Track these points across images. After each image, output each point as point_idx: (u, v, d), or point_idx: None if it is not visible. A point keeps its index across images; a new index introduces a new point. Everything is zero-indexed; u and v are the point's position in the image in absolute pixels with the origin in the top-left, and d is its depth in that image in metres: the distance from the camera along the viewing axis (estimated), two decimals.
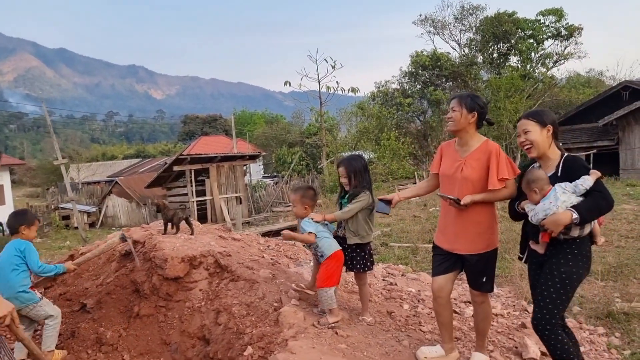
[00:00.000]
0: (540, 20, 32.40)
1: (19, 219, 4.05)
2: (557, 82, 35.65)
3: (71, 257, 6.26)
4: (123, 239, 4.71)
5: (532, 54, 32.73)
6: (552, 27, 32.47)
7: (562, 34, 32.63)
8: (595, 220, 3.01)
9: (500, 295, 6.16)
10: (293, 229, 14.40)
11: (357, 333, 3.86)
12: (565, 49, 33.72)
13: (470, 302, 5.00)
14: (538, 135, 3.11)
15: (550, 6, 32.38)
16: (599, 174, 2.94)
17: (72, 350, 4.13)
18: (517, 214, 3.31)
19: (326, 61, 24.99)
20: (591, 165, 23.07)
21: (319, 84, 25.29)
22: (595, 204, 2.86)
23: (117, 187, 31.83)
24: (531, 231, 3.20)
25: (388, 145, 25.47)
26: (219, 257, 4.75)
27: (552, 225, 2.90)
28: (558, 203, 2.88)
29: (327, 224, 4.00)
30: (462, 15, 32.03)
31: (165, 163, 24.42)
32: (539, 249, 3.13)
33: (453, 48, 33.29)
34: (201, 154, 21.89)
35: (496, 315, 5.17)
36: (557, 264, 2.97)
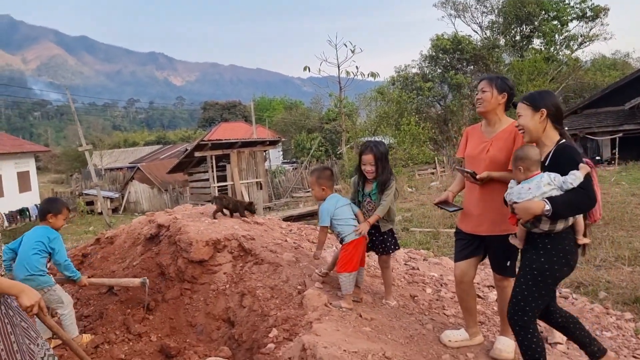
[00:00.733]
0: (564, 0, 31.61)
1: (48, 207, 4.10)
2: (582, 64, 34.87)
3: (97, 241, 6.40)
4: (143, 284, 4.51)
5: (556, 35, 32.02)
6: (577, 8, 31.67)
7: (588, 15, 31.80)
8: (580, 216, 2.83)
9: None
10: (314, 213, 14.46)
11: (380, 316, 3.87)
12: (590, 30, 32.92)
13: (493, 287, 4.97)
14: (529, 119, 2.93)
15: None
16: (588, 168, 2.72)
17: (101, 332, 4.22)
18: None
19: (345, 46, 24.74)
20: (616, 149, 22.59)
21: (338, 69, 25.10)
22: (574, 200, 2.67)
23: (139, 173, 32.24)
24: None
25: (408, 130, 25.26)
26: (243, 241, 4.79)
27: (521, 212, 2.77)
28: (537, 192, 2.71)
29: (349, 204, 3.96)
30: None
31: (186, 149, 24.62)
32: (517, 243, 2.99)
33: (474, 31, 32.80)
34: (222, 140, 22.01)
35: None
36: (529, 260, 2.83)
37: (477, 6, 32.23)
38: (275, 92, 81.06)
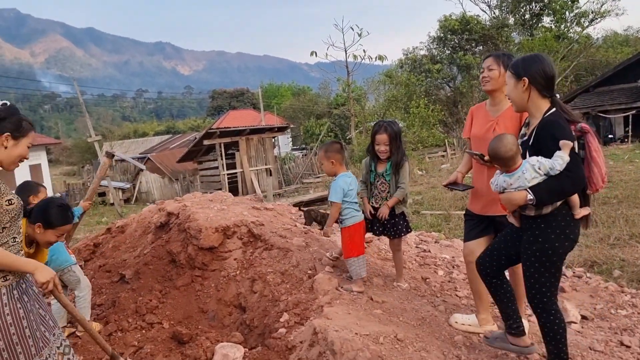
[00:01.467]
0: None
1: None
2: (593, 41, 34.24)
3: (108, 230, 6.44)
4: (108, 155, 4.61)
5: (567, 13, 31.42)
6: None
7: None
8: None
9: None
10: (323, 199, 14.45)
11: (392, 299, 3.85)
12: (601, 6, 32.25)
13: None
14: (512, 88, 2.78)
15: None
16: (570, 144, 2.54)
17: (113, 320, 4.24)
18: None
19: (352, 29, 24.59)
20: (629, 127, 22.25)
21: (346, 53, 24.94)
22: (558, 186, 2.56)
23: (150, 163, 32.40)
24: None
25: (417, 113, 25.06)
26: (252, 227, 4.78)
27: (505, 203, 2.73)
28: (520, 182, 2.62)
29: (353, 190, 3.91)
30: None
31: (195, 138, 24.68)
32: (514, 221, 2.90)
33: (483, 10, 32.34)
34: (230, 128, 22.01)
35: None
36: (528, 242, 2.74)
37: None
38: (283, 79, 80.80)
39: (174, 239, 4.97)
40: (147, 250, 5.07)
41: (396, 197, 3.94)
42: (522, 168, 2.64)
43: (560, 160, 2.53)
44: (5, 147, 2.48)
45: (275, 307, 3.90)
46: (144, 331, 4.10)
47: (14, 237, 2.45)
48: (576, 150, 2.62)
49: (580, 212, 2.71)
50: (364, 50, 23.32)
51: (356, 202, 3.87)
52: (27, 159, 2.66)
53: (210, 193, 7.35)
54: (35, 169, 27.53)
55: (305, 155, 31.09)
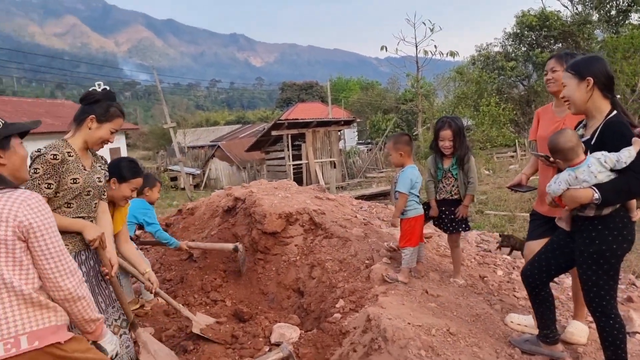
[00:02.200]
0: None
1: (144, 182, 4.40)
2: None
3: (180, 212, 6.81)
4: (235, 249, 4.78)
5: None
6: None
7: None
8: None
9: None
10: (385, 193, 14.43)
11: (447, 294, 3.87)
12: None
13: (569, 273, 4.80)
14: (574, 89, 2.67)
15: None
16: None
17: (181, 295, 4.55)
18: None
19: (424, 24, 24.24)
20: None
21: (416, 48, 24.64)
22: (625, 185, 2.47)
23: (220, 151, 33.48)
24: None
25: (487, 111, 24.35)
26: (314, 215, 4.93)
27: (568, 200, 2.61)
28: (586, 176, 2.53)
29: (418, 183, 3.97)
30: None
31: (264, 128, 25.28)
32: (563, 225, 2.81)
33: (564, 6, 30.69)
34: (298, 119, 22.39)
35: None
36: (584, 245, 2.66)
37: None
38: (352, 73, 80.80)
39: (239, 222, 5.22)
40: (214, 232, 5.35)
41: (470, 193, 4.00)
42: (587, 162, 2.57)
43: (627, 153, 2.46)
44: (90, 128, 2.74)
45: (332, 293, 4.04)
46: (208, 307, 4.37)
47: (73, 208, 2.68)
48: None
49: (637, 214, 2.66)
50: (435, 46, 22.90)
51: (418, 196, 3.93)
52: (110, 142, 2.88)
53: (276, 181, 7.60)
54: (114, 152, 29.17)
55: (370, 150, 31.03)
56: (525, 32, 28.93)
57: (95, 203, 2.84)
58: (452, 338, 3.15)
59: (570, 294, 4.01)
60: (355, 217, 5.27)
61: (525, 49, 29.20)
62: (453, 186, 4.02)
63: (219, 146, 34.97)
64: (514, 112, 26.91)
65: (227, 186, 7.33)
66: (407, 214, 3.87)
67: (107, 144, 2.88)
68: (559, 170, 2.80)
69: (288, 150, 20.75)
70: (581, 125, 2.89)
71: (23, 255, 1.79)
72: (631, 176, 2.47)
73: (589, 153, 2.66)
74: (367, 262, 4.25)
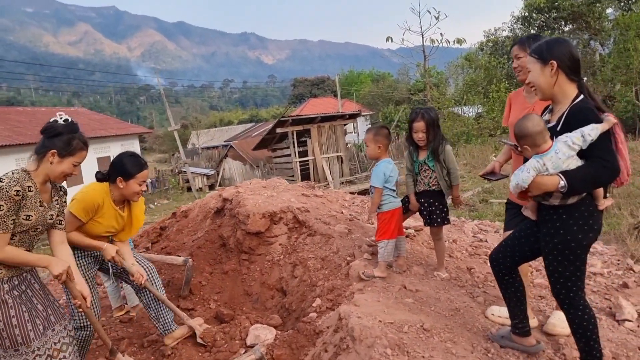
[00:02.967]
0: None
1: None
2: None
3: (174, 215, 6.81)
4: (185, 262, 4.58)
5: None
6: None
7: None
8: None
9: (604, 253, 5.66)
10: None
11: (428, 288, 3.79)
12: None
13: None
14: (538, 74, 2.57)
15: None
16: (612, 121, 2.37)
17: (168, 298, 4.53)
18: None
19: (429, 12, 23.92)
20: None
21: (422, 38, 24.32)
22: (592, 173, 2.38)
23: (232, 151, 33.63)
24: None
25: (497, 97, 23.96)
26: (298, 213, 4.88)
27: (533, 187, 2.51)
28: (554, 162, 2.43)
29: (393, 177, 3.89)
30: None
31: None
32: (530, 214, 2.74)
33: None
34: (301, 116, 22.31)
35: (594, 274, 4.80)
36: (549, 235, 2.58)
37: None
38: (364, 65, 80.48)
39: (225, 223, 5.19)
40: (200, 234, 5.33)
41: (455, 184, 3.95)
42: (555, 147, 2.47)
43: (590, 127, 2.36)
44: (51, 163, 2.63)
45: (312, 292, 3.99)
46: (192, 310, 4.35)
47: (14, 241, 2.59)
48: None
49: (604, 203, 2.55)
50: (441, 34, 22.56)
51: (394, 189, 3.86)
52: (74, 174, 2.79)
53: (292, 181, 7.55)
54: None
55: None
56: (534, 15, 28.40)
57: (38, 239, 2.76)
58: (426, 334, 3.08)
59: None
60: (341, 213, 5.21)
61: (534, 31, 28.63)
62: (431, 178, 3.94)
63: (231, 146, 35.12)
64: None
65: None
66: (382, 207, 3.80)
67: (70, 177, 2.80)
68: (526, 160, 2.69)
69: (294, 147, 20.71)
70: (547, 110, 2.79)
71: None
72: (598, 163, 2.37)
73: (554, 139, 2.56)
74: (348, 258, 4.19)
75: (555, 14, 27.70)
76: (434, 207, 3.99)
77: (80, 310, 2.80)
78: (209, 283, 4.64)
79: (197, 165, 36.95)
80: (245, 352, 3.39)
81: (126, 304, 4.54)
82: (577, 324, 2.66)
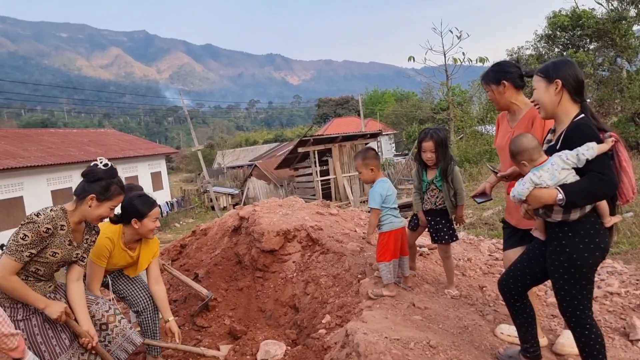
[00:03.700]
0: None
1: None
2: None
3: (193, 233, 6.96)
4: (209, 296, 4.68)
5: None
6: None
7: None
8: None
9: (623, 272, 5.58)
10: (409, 205, 14.25)
11: (437, 306, 3.82)
12: None
13: None
14: (543, 92, 2.63)
15: None
16: (610, 142, 2.41)
17: (182, 314, 4.65)
18: None
19: (451, 32, 24.02)
20: None
21: (445, 57, 24.41)
22: (589, 187, 2.40)
23: (257, 170, 33.99)
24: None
25: None
26: (311, 231, 4.97)
27: (532, 200, 2.53)
28: (553, 182, 2.46)
29: (396, 194, 3.94)
30: None
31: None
32: (539, 235, 2.73)
33: (598, 3, 29.77)
34: (323, 135, 22.52)
35: (611, 294, 4.74)
36: (555, 253, 2.59)
37: None
38: (388, 85, 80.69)
39: (241, 241, 5.31)
40: (217, 252, 5.46)
41: (461, 204, 4.01)
42: (551, 160, 2.52)
43: (586, 147, 2.40)
44: (89, 206, 2.81)
45: (323, 309, 4.05)
46: (206, 328, 4.45)
47: (39, 273, 2.76)
48: None
49: (610, 220, 2.56)
50: (463, 53, 22.62)
51: (395, 208, 3.88)
52: (110, 217, 2.99)
53: (307, 200, 7.68)
54: (155, 176, 30.23)
55: (407, 161, 30.80)
56: (558, 33, 28.18)
57: (58, 272, 2.93)
58: (432, 351, 3.11)
59: None
60: (355, 231, 5.27)
61: (558, 49, 28.41)
62: (437, 197, 4.00)
63: (256, 165, 35.54)
64: None
65: None
66: (382, 227, 3.83)
67: (105, 218, 2.98)
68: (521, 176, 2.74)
69: (315, 166, 20.87)
70: (550, 131, 2.84)
71: None
72: (595, 177, 2.40)
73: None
74: (359, 276, 4.24)
75: (579, 32, 27.45)
76: (440, 225, 4.04)
77: (89, 347, 2.88)
78: (224, 300, 4.74)
79: (223, 185, 37.45)
80: None
81: None
82: (584, 342, 2.65)
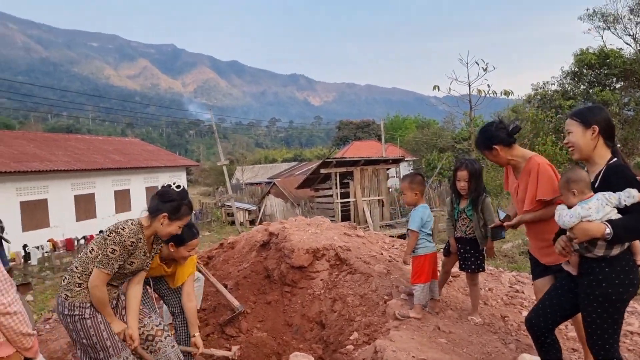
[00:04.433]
0: None
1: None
2: None
3: (221, 245, 7.17)
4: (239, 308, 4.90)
5: None
6: None
7: None
8: None
9: None
10: None
11: (461, 331, 3.95)
12: None
13: None
14: (580, 136, 2.79)
15: None
16: None
17: (212, 323, 4.84)
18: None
19: (477, 64, 24.16)
20: None
21: (469, 88, 24.56)
22: (635, 224, 2.51)
23: (275, 188, 34.23)
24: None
25: (543, 150, 23.75)
26: (339, 251, 5.15)
27: (579, 233, 2.60)
28: (599, 215, 2.57)
29: (429, 222, 4.11)
30: (638, 6, 28.52)
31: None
32: (571, 269, 2.82)
33: (627, 43, 29.84)
34: (345, 158, 22.74)
35: (632, 333, 4.81)
36: (590, 287, 2.66)
37: (631, 17, 29.32)
38: (409, 111, 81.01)
39: (271, 256, 5.50)
40: (247, 265, 5.65)
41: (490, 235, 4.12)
42: (597, 196, 2.65)
43: (628, 194, 2.54)
44: (161, 224, 3.12)
45: (350, 326, 4.21)
46: (234, 337, 4.63)
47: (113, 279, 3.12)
48: None
49: None
50: (488, 85, 22.75)
51: (430, 234, 4.08)
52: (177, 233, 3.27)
53: (332, 222, 7.85)
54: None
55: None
56: (584, 71, 28.28)
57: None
58: None
59: None
60: (381, 253, 5.44)
61: (584, 87, 28.50)
62: (467, 226, 4.16)
63: (274, 183, 35.82)
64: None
65: None
66: (418, 251, 4.02)
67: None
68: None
69: (336, 188, 21.05)
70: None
71: None
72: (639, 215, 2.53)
73: None
74: (385, 297, 4.40)
75: (606, 71, 27.51)
76: (469, 254, 4.20)
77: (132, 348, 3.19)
78: (252, 312, 4.92)
79: (240, 200, 37.73)
80: None
81: None
82: None
